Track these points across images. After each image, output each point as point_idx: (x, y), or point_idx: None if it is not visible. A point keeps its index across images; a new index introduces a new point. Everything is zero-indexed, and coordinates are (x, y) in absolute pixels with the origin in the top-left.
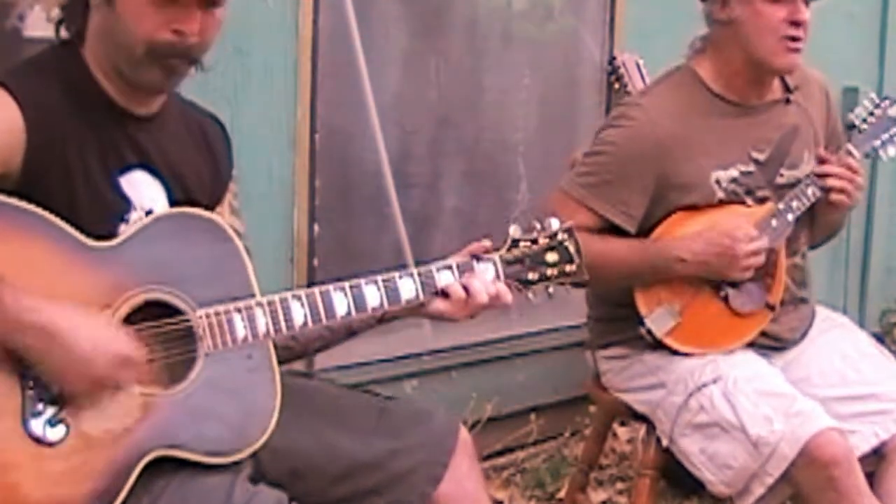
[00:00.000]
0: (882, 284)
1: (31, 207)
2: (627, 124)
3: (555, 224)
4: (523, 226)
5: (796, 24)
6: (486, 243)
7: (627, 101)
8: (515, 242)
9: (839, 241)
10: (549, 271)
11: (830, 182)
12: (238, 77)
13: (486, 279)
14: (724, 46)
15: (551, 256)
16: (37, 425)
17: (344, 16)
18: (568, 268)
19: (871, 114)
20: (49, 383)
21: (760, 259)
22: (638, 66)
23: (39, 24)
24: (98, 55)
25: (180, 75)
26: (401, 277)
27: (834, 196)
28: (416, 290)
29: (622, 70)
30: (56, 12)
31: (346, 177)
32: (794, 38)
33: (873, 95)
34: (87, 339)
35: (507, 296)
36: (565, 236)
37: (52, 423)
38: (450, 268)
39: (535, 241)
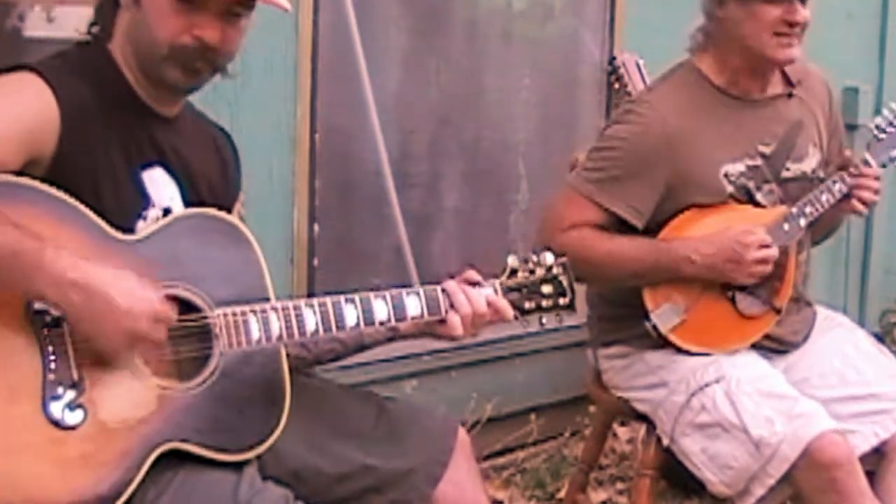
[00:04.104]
0: (882, 284)
1: (62, 195)
2: (637, 120)
3: (549, 258)
4: (519, 256)
5: (791, 24)
6: (477, 276)
7: (635, 98)
8: (514, 272)
9: (839, 241)
10: (545, 302)
11: (865, 195)
12: (238, 77)
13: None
14: (723, 42)
15: (546, 288)
16: (56, 408)
17: (344, 16)
18: (561, 301)
19: (891, 123)
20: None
21: (768, 268)
22: (638, 66)
23: (39, 24)
24: (125, 52)
25: (202, 78)
26: (408, 294)
27: (856, 204)
28: (421, 306)
29: (622, 70)
30: (62, 10)
31: (346, 177)
32: (788, 36)
33: (894, 105)
34: (125, 294)
35: (508, 311)
36: (560, 270)
37: (71, 407)
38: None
39: (532, 272)
